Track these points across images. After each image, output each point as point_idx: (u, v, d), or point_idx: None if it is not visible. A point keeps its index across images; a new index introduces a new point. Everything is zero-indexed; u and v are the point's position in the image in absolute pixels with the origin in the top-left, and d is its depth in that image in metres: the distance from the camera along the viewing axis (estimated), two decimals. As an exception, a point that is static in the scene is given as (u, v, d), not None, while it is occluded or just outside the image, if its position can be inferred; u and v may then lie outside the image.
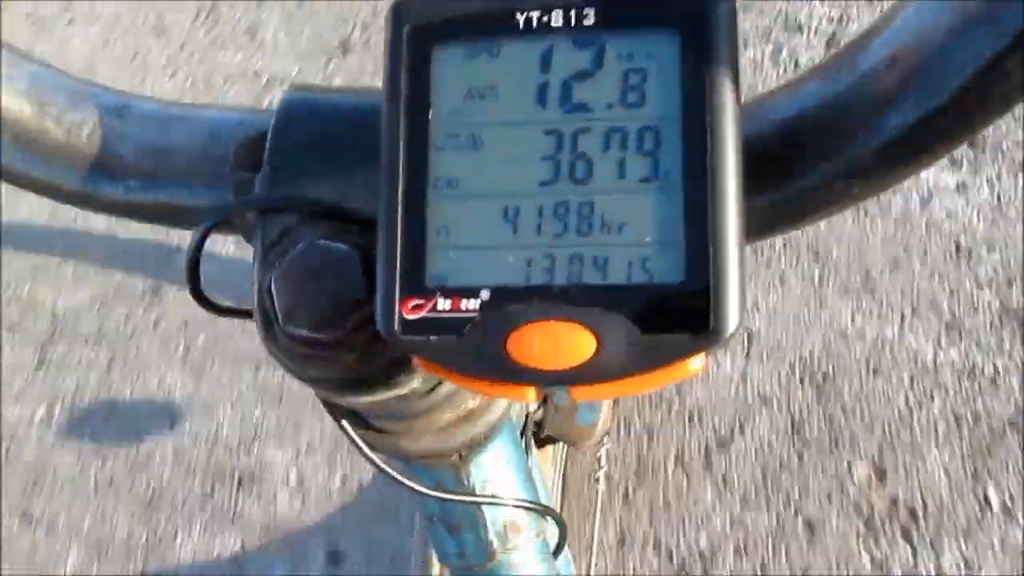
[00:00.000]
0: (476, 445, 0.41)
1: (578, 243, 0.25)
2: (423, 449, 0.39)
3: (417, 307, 0.25)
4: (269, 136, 0.31)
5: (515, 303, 0.25)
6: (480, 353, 0.25)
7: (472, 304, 0.25)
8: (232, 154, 0.31)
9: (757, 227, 0.29)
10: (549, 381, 0.24)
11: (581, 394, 0.25)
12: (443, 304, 0.25)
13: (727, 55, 0.25)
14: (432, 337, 0.25)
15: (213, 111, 0.33)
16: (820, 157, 0.27)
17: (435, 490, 0.43)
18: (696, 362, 0.24)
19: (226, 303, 0.33)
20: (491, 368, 0.25)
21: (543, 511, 0.46)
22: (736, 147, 0.25)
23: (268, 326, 0.28)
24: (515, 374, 0.24)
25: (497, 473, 0.44)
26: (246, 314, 0.32)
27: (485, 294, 0.25)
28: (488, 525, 0.44)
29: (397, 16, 0.26)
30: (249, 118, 0.32)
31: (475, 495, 0.43)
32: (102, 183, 0.32)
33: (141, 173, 0.32)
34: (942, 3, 0.25)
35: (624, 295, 0.24)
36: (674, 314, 0.24)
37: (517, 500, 0.44)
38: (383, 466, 0.39)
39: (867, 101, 0.27)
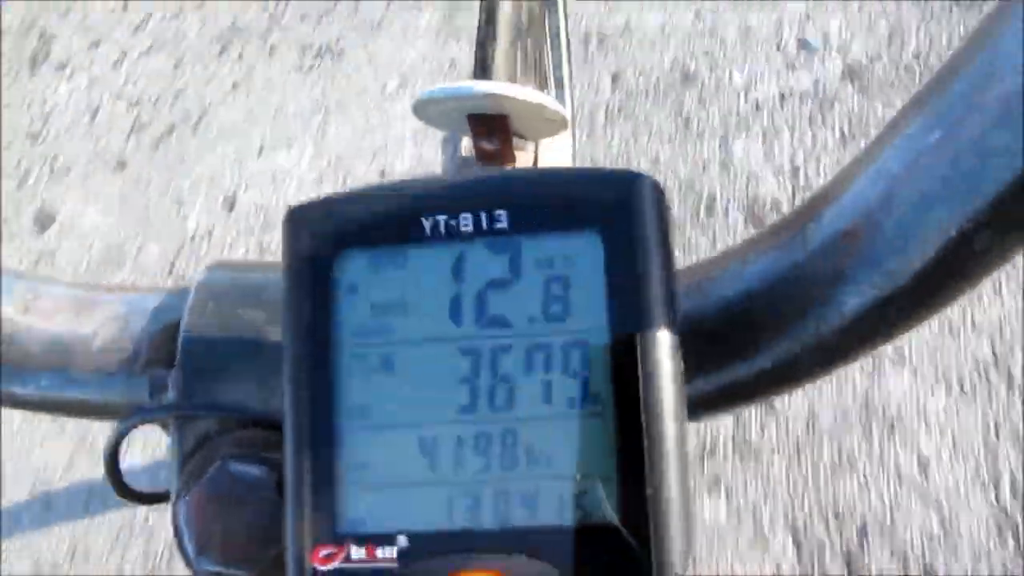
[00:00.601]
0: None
1: (503, 479, 0.22)
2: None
3: (329, 557, 0.23)
4: (181, 328, 0.28)
5: (436, 552, 0.22)
6: None
7: (389, 553, 0.22)
8: (146, 346, 0.29)
9: (702, 408, 0.26)
10: None
11: None
12: (357, 553, 0.22)
13: (657, 253, 0.22)
14: None
15: (128, 295, 0.31)
16: (771, 337, 0.25)
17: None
18: None
19: (147, 491, 0.30)
20: None
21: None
22: (673, 362, 0.22)
23: (183, 554, 0.26)
24: None
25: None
26: (167, 499, 0.30)
27: (403, 541, 0.22)
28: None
29: (294, 221, 0.24)
30: (164, 303, 0.30)
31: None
32: (10, 384, 0.30)
33: (52, 370, 0.30)
34: (899, 172, 0.23)
35: (555, 540, 0.22)
36: (610, 562, 0.21)
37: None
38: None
39: (821, 279, 0.24)
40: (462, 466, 0.22)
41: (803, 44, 1.44)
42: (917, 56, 1.41)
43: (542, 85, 0.77)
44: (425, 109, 0.43)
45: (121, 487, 0.29)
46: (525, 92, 0.42)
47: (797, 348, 0.24)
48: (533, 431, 0.22)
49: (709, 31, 1.49)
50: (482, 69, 0.64)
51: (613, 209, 0.22)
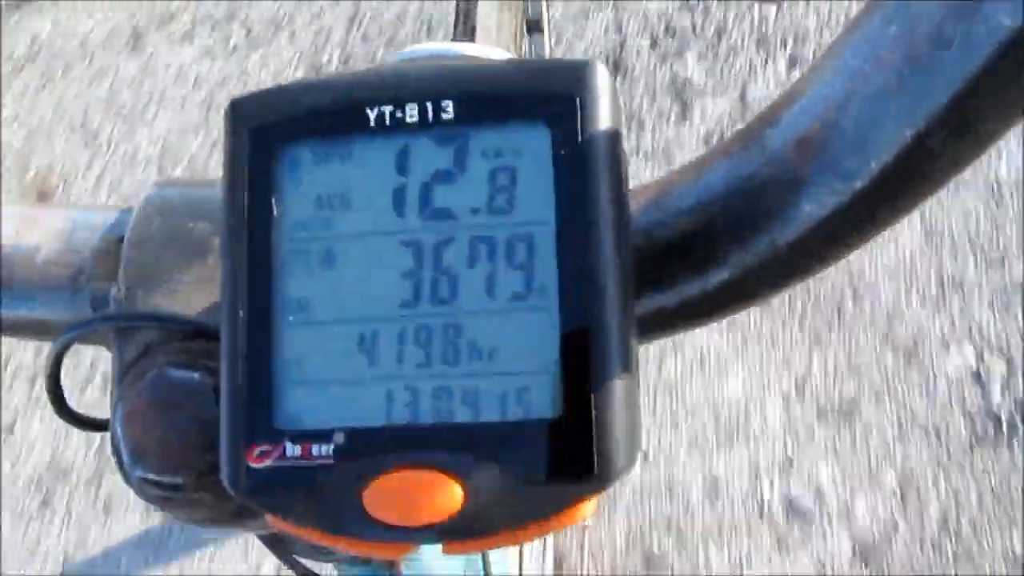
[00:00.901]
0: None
1: (445, 374, 0.21)
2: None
3: (263, 454, 0.22)
4: (125, 241, 0.27)
5: (372, 448, 0.21)
6: (336, 508, 0.21)
7: (325, 450, 0.21)
8: (91, 260, 0.28)
9: (658, 326, 0.25)
10: (411, 539, 0.21)
11: (452, 549, 0.21)
12: (293, 450, 0.22)
13: (605, 149, 0.21)
14: (282, 490, 0.22)
15: (76, 211, 0.30)
16: (729, 249, 0.24)
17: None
18: (584, 509, 0.21)
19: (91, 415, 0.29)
20: (348, 525, 0.21)
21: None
22: (620, 256, 0.21)
23: (119, 465, 0.25)
24: (373, 532, 0.21)
25: (438, 565, 0.40)
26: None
27: (339, 438, 0.21)
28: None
29: (236, 114, 0.23)
30: (111, 219, 0.29)
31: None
32: None
33: None
34: (854, 75, 0.22)
35: (496, 436, 0.21)
36: (552, 458, 0.21)
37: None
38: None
39: (778, 186, 0.23)
40: (403, 361, 0.22)
41: (792, 506, 1.09)
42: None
43: (521, 52, 0.76)
44: (400, 68, 0.42)
45: (62, 407, 0.28)
46: (503, 55, 0.41)
47: (756, 259, 0.24)
48: (476, 325, 0.21)
49: (667, 485, 1.12)
50: (463, 33, 0.63)
51: (561, 98, 0.21)
